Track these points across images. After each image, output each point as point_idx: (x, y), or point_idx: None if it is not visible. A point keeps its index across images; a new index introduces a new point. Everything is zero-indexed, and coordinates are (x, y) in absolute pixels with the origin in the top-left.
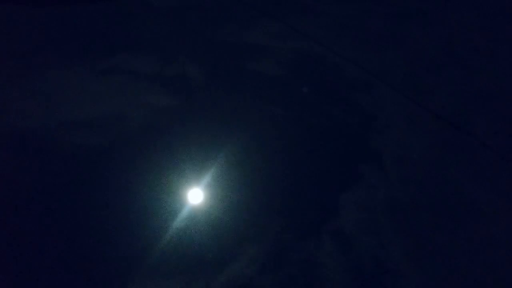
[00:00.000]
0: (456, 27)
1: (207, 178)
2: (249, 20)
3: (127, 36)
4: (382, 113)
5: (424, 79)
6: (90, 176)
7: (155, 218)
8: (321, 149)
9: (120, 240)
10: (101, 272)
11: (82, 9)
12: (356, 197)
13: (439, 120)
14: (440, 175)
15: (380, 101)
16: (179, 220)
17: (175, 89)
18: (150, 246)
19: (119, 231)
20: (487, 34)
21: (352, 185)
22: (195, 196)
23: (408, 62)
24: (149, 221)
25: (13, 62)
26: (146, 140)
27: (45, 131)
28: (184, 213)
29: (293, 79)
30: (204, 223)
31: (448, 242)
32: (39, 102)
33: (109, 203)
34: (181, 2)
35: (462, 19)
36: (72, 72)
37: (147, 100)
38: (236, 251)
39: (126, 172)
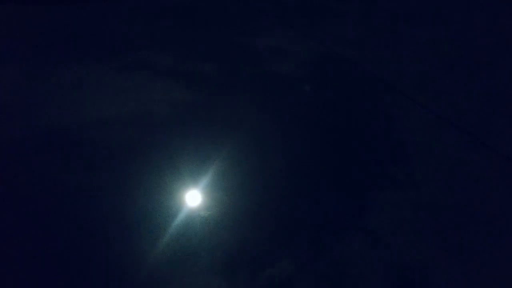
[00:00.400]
0: (469, 27)
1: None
2: (262, 21)
3: (136, 35)
4: (401, 114)
5: (442, 79)
6: (90, 175)
7: (154, 220)
8: (342, 150)
9: (119, 241)
10: (100, 273)
11: (91, 8)
12: (383, 197)
13: (458, 121)
14: (464, 177)
15: (398, 101)
16: (180, 221)
17: (181, 88)
18: (148, 247)
19: (118, 233)
20: (499, 35)
21: (378, 185)
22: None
23: (425, 63)
24: (148, 222)
25: (22, 61)
26: (147, 140)
27: (46, 130)
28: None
29: (307, 79)
30: (229, 224)
31: (480, 244)
32: (40, 100)
33: (108, 204)
34: (190, 2)
35: (473, 19)
36: (73, 72)
37: (151, 101)
38: (274, 250)
39: (125, 172)
